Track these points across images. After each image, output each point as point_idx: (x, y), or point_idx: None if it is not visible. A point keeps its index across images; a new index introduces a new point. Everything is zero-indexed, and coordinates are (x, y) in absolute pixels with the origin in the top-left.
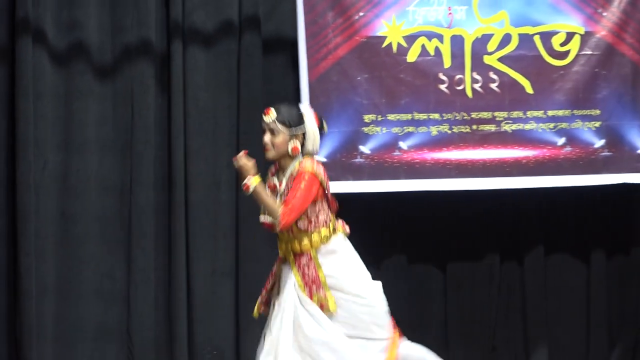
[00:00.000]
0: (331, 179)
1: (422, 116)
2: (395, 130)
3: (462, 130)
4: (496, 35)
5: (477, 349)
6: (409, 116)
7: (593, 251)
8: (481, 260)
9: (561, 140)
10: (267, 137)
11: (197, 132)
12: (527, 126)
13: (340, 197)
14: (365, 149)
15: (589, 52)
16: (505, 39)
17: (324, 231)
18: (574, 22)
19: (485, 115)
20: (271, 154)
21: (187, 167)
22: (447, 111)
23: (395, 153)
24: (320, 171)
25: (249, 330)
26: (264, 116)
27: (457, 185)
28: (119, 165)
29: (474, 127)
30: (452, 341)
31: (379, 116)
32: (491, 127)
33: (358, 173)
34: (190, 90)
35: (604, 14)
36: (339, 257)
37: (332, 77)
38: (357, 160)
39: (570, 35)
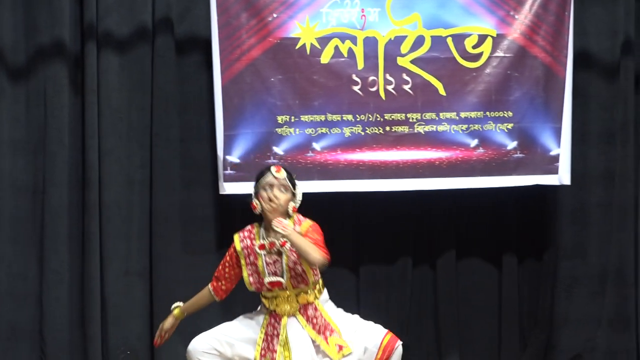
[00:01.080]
0: (244, 179)
1: (336, 117)
2: (309, 131)
3: (375, 131)
4: (409, 37)
5: None
6: (323, 117)
7: (505, 254)
8: (395, 262)
9: (474, 142)
10: (277, 193)
11: (111, 132)
12: (440, 128)
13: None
14: (278, 150)
15: (501, 55)
16: (418, 41)
17: (321, 281)
18: (487, 25)
19: (399, 116)
20: (276, 209)
21: (100, 168)
22: (361, 112)
23: (308, 154)
24: None
25: None
26: (275, 173)
27: (370, 186)
28: (32, 165)
29: (387, 128)
30: None
31: (293, 117)
32: (404, 129)
33: None
34: (103, 91)
35: (516, 16)
36: (331, 306)
37: (245, 78)
38: (270, 161)
39: (482, 38)
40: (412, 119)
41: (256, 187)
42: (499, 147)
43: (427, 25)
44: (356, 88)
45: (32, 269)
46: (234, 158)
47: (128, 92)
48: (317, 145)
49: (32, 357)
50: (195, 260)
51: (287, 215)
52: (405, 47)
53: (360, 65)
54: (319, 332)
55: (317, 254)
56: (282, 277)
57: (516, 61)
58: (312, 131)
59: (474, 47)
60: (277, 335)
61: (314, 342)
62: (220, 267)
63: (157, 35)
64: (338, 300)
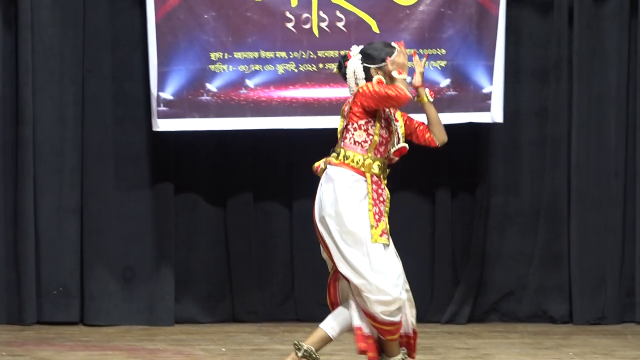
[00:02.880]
0: (177, 116)
1: (269, 54)
2: (242, 68)
3: (309, 68)
4: None
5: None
6: (256, 54)
7: (438, 190)
8: None
9: (408, 78)
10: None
11: (44, 69)
12: None
13: (187, 135)
14: (212, 86)
15: None
16: None
17: None
18: None
19: (332, 54)
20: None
21: (34, 105)
22: (294, 50)
23: (241, 91)
24: None
25: (94, 266)
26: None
27: (304, 123)
28: None
29: (321, 65)
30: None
31: (226, 54)
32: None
33: (205, 110)
34: (36, 27)
35: None
36: None
37: (179, 15)
38: (203, 97)
39: None
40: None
41: (400, 66)
42: (432, 84)
43: None
44: (290, 25)
45: None
46: (167, 95)
47: (61, 29)
48: (250, 82)
49: None
50: (127, 197)
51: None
52: None
53: (294, 2)
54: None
55: (445, 133)
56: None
57: None
58: (246, 68)
59: None
60: (383, 202)
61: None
62: None
63: None
64: (273, 234)
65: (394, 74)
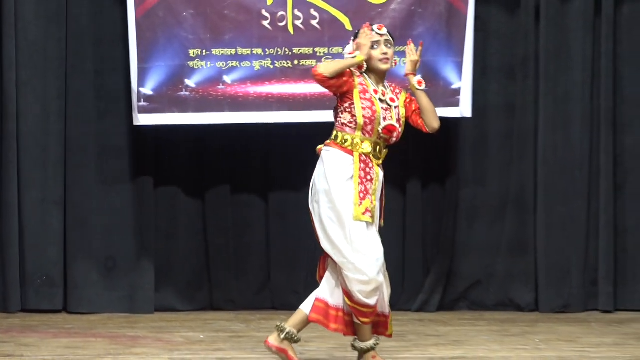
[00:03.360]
0: (157, 111)
1: (246, 51)
2: (220, 64)
3: (284, 65)
4: None
5: (300, 271)
6: (233, 51)
7: (409, 182)
8: (302, 190)
9: None
10: (387, 49)
11: (28, 64)
12: None
13: (166, 129)
14: (190, 82)
15: None
16: None
17: None
18: None
19: (306, 50)
20: (389, 65)
21: (17, 99)
22: (270, 47)
23: (219, 87)
24: None
25: (76, 256)
26: (378, 30)
27: (279, 118)
28: None
29: (296, 62)
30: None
31: (204, 51)
32: (312, 62)
33: (184, 106)
34: (20, 23)
35: None
36: None
37: (158, 12)
38: (182, 93)
39: None
40: (320, 53)
41: (365, 40)
42: (404, 80)
43: None
44: (265, 23)
45: None
46: (147, 90)
47: (44, 25)
48: (227, 78)
49: None
50: (109, 189)
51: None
52: None
53: (270, 0)
54: (381, 196)
55: (438, 120)
56: (397, 125)
57: None
58: (223, 64)
59: None
60: (371, 180)
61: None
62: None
63: None
64: (249, 225)
65: (345, 51)
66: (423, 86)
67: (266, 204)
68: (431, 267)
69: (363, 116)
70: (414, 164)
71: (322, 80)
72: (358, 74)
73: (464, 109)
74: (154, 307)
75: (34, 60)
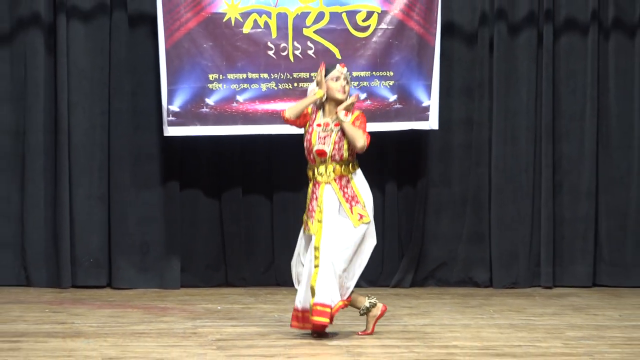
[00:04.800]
0: (182, 124)
1: (255, 75)
2: (234, 86)
3: (286, 87)
4: (312, 12)
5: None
6: (244, 75)
7: (387, 183)
8: (301, 190)
9: (363, 95)
10: (345, 84)
11: (77, 88)
12: None
13: (190, 140)
14: (210, 101)
15: (385, 27)
16: (320, 16)
17: (356, 161)
18: (373, 3)
19: (304, 75)
20: (344, 96)
21: (69, 116)
22: (274, 72)
23: (233, 104)
24: None
25: (118, 242)
26: (342, 68)
27: (282, 130)
28: (15, 113)
29: (295, 84)
30: (278, 255)
31: (221, 75)
32: (309, 85)
33: (204, 120)
34: (72, 54)
35: None
36: (362, 182)
37: (183, 44)
38: (203, 110)
39: (370, 13)
40: (315, 76)
41: (321, 78)
42: (383, 99)
43: (327, 3)
44: (270, 53)
45: (15, 195)
46: (174, 107)
47: (91, 55)
48: (240, 98)
49: (16, 265)
50: (143, 189)
51: (337, 103)
52: (309, 21)
53: (274, 34)
54: (347, 201)
55: (362, 140)
56: (327, 148)
57: (396, 32)
58: (236, 86)
59: (364, 20)
60: (317, 199)
61: (341, 206)
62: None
63: (113, 10)
64: (257, 219)
65: (309, 89)
66: (347, 118)
67: (271, 201)
68: (405, 252)
69: (305, 147)
70: (390, 168)
71: (288, 121)
72: (316, 108)
73: (432, 122)
74: (180, 284)
75: (83, 85)
